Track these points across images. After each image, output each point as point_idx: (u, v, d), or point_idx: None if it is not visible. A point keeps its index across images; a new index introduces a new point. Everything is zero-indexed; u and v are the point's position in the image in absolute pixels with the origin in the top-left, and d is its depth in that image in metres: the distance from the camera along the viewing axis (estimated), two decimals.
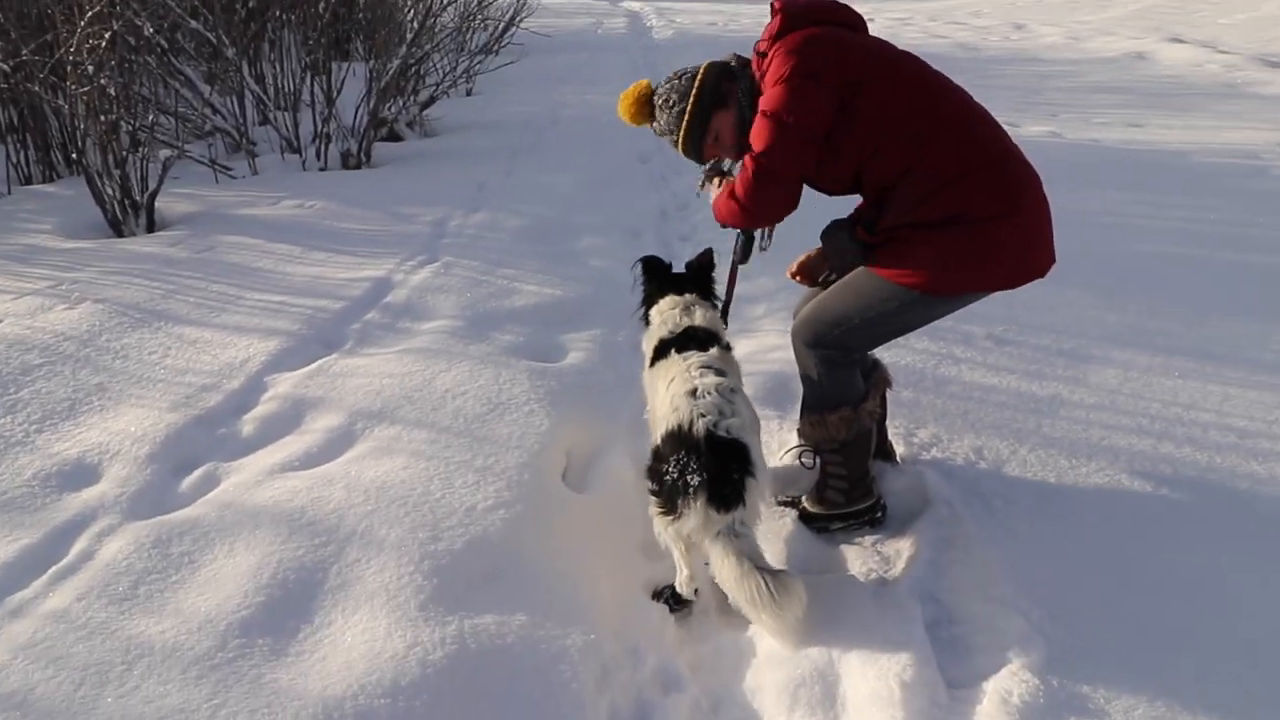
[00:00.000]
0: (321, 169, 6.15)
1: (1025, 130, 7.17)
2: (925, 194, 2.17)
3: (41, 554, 2.20)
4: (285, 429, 2.81)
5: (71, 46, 4.38)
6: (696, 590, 2.35)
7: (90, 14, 4.32)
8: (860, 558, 2.47)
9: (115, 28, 4.62)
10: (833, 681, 2.05)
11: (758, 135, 2.19)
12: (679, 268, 2.70)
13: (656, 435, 2.26)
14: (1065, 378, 3.22)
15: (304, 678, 1.86)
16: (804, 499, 2.62)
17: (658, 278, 2.61)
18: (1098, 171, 6.07)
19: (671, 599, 2.34)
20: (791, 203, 2.26)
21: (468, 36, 9.10)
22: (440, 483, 2.49)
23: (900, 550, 2.47)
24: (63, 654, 1.87)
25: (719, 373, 2.24)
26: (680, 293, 2.53)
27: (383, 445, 2.67)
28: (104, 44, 4.42)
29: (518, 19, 10.55)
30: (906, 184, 2.19)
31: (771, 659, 2.15)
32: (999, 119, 2.39)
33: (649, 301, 2.61)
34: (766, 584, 1.96)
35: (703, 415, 2.12)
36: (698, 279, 2.59)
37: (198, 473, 2.58)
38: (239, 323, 3.48)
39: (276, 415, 2.87)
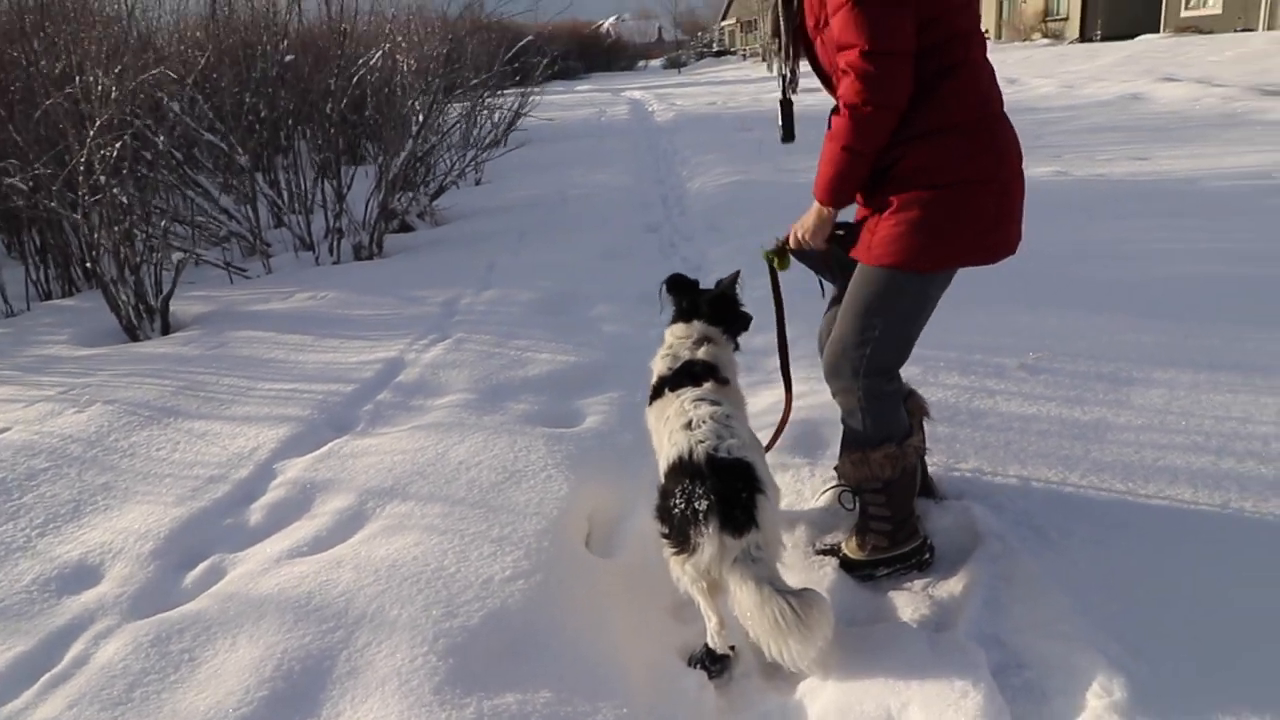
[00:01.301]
0: (335, 263, 6.22)
1: (1032, 172, 7.15)
2: (946, 118, 2.03)
3: (35, 662, 2.07)
4: (294, 515, 2.70)
5: (82, 157, 4.49)
6: (733, 648, 2.18)
7: (99, 124, 4.44)
8: (911, 604, 2.28)
9: (126, 138, 4.74)
10: None
11: (848, 27, 1.93)
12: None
13: (660, 474, 2.15)
14: (1108, 401, 3.07)
15: None
16: (844, 545, 2.45)
17: (686, 297, 2.53)
18: (1110, 204, 6.04)
19: (707, 659, 2.16)
20: (909, 86, 1.98)
21: (474, 130, 9.37)
22: (455, 556, 2.35)
23: (953, 592, 2.29)
24: None
25: (713, 402, 2.17)
26: (690, 319, 2.46)
27: (394, 523, 2.54)
28: (114, 154, 4.54)
29: (523, 110, 10.88)
30: (937, 96, 2.02)
31: None
32: None
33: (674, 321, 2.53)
34: (790, 605, 1.82)
35: (701, 441, 2.04)
36: (717, 303, 2.49)
37: (202, 566, 2.46)
38: (249, 413, 3.42)
39: (285, 501, 2.77)
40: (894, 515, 2.33)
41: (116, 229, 4.71)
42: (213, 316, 4.90)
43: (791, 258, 2.44)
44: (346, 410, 3.44)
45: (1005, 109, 2.18)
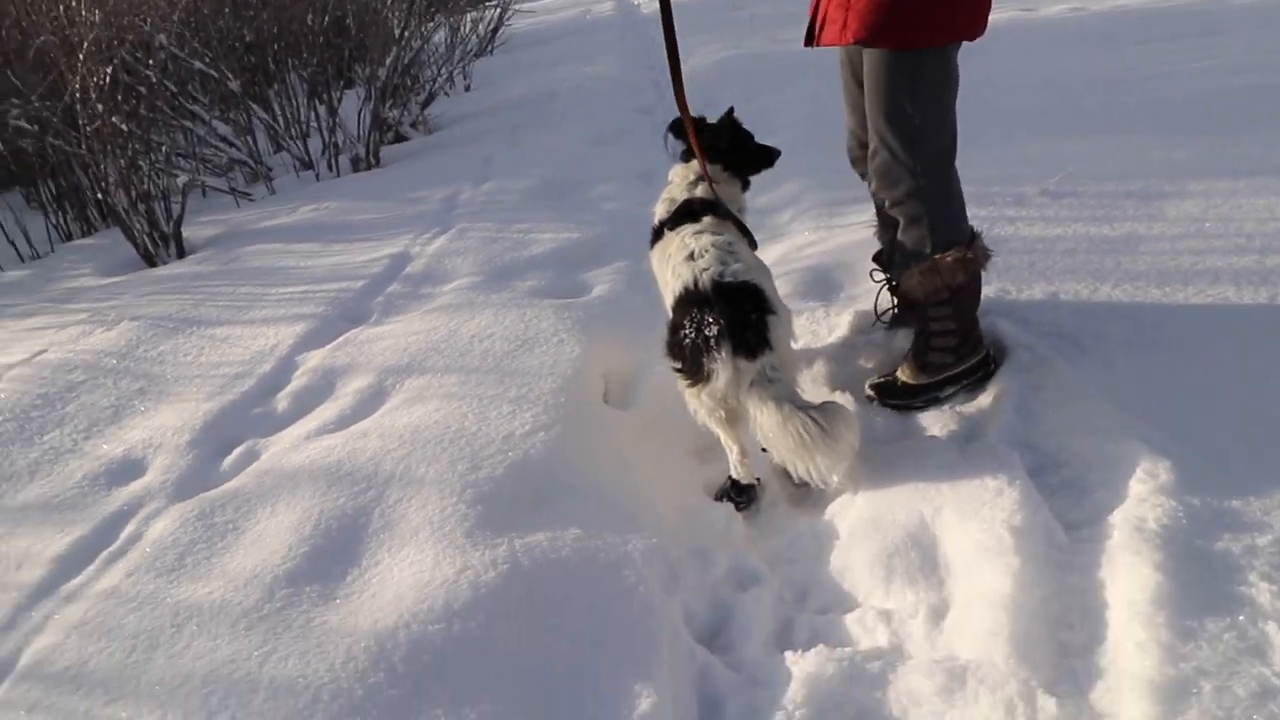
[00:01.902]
0: (335, 177, 6.18)
1: (1044, 11, 6.78)
2: None
3: (92, 543, 2.18)
4: (318, 399, 2.76)
5: (75, 83, 4.45)
6: (759, 479, 2.22)
7: (86, 48, 4.38)
8: (938, 420, 2.27)
9: (116, 63, 4.68)
10: (929, 544, 1.89)
11: None
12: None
13: (667, 309, 2.14)
14: (1139, 216, 2.96)
15: (354, 616, 1.79)
16: (900, 373, 2.34)
17: (679, 137, 2.48)
18: (1133, 31, 5.73)
19: (733, 491, 2.21)
20: None
21: (458, 39, 9.08)
22: (475, 417, 2.40)
23: (982, 406, 2.26)
24: (113, 626, 1.83)
25: (714, 233, 2.13)
26: (688, 160, 2.42)
27: (414, 395, 2.60)
28: (106, 79, 4.49)
29: (506, 17, 10.53)
30: None
31: (855, 535, 1.99)
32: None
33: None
34: (813, 419, 1.82)
35: (705, 269, 2.01)
36: (715, 140, 2.41)
37: (237, 451, 2.55)
38: (266, 315, 3.47)
39: (308, 388, 2.83)
40: (959, 327, 2.23)
41: (122, 159, 4.71)
42: (223, 237, 4.92)
43: None
44: (359, 303, 3.47)
45: None
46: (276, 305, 3.55)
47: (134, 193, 4.75)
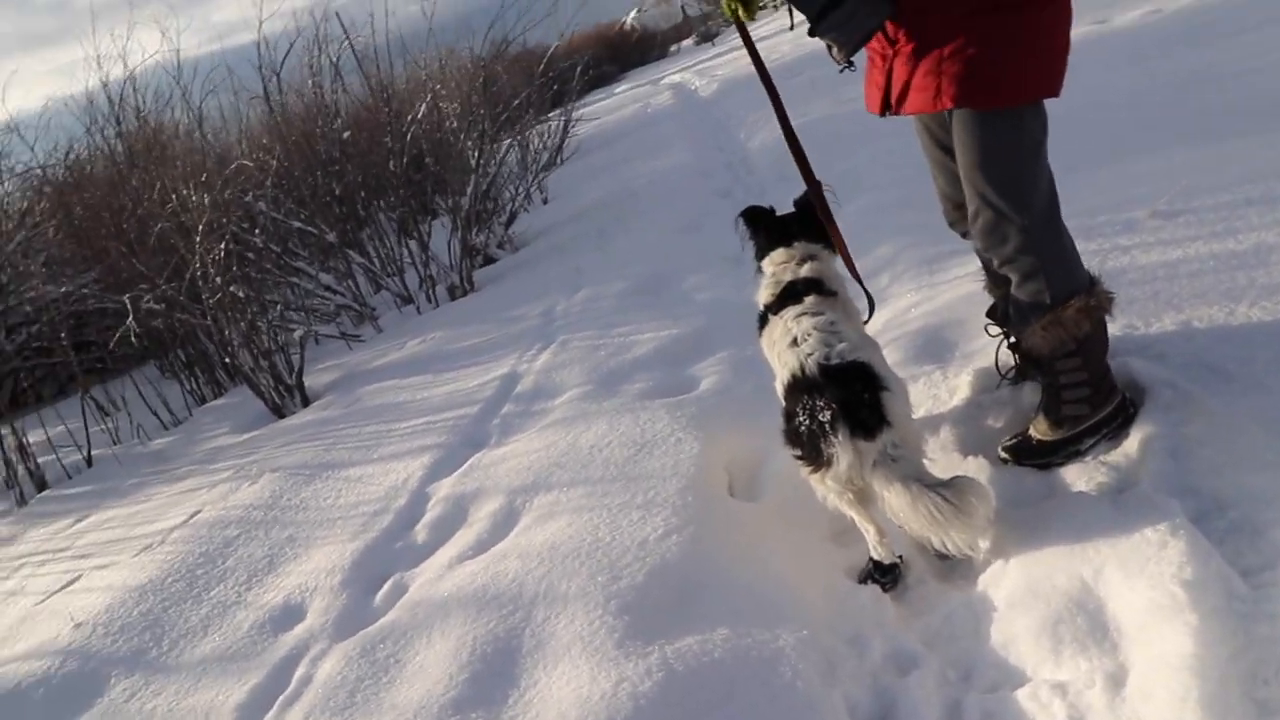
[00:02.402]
0: (434, 308, 6.55)
1: (1115, 23, 6.64)
2: None
3: (268, 689, 2.31)
4: (454, 526, 2.88)
5: (195, 262, 4.94)
6: (900, 556, 2.16)
7: (200, 228, 4.88)
8: (1083, 475, 2.15)
9: (228, 238, 5.19)
10: (1095, 608, 1.78)
11: None
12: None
13: (779, 397, 2.15)
14: (1265, 224, 2.77)
15: None
16: (1033, 430, 2.26)
17: (762, 225, 2.48)
18: (1219, 25, 5.42)
19: (876, 572, 2.15)
20: None
21: (528, 153, 9.63)
22: (607, 528, 2.45)
23: (1129, 454, 2.14)
24: None
25: (815, 313, 2.13)
26: (789, 242, 2.39)
27: (544, 513, 2.67)
28: (222, 253, 4.97)
29: (571, 124, 11.09)
30: None
31: (1014, 605, 1.89)
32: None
33: (760, 254, 2.49)
34: (943, 497, 1.77)
35: (810, 354, 2.01)
36: (804, 219, 2.42)
37: (387, 585, 2.67)
38: (393, 451, 3.66)
39: (443, 517, 2.95)
40: (1091, 377, 2.15)
41: (242, 322, 5.15)
42: (342, 381, 5.26)
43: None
44: (477, 427, 3.63)
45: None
46: (401, 440, 3.75)
47: (256, 351, 5.18)
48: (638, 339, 3.98)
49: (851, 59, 2.09)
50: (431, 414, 3.94)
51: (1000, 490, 2.17)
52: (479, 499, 2.95)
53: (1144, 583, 1.72)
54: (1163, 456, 2.07)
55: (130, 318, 5.24)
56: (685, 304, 4.37)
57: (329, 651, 2.37)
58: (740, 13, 2.20)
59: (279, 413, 5.14)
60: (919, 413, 2.48)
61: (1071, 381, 2.16)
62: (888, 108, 2.19)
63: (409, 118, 7.38)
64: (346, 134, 7.47)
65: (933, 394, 2.71)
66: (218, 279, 5.02)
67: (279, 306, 6.48)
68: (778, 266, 2.39)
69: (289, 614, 2.66)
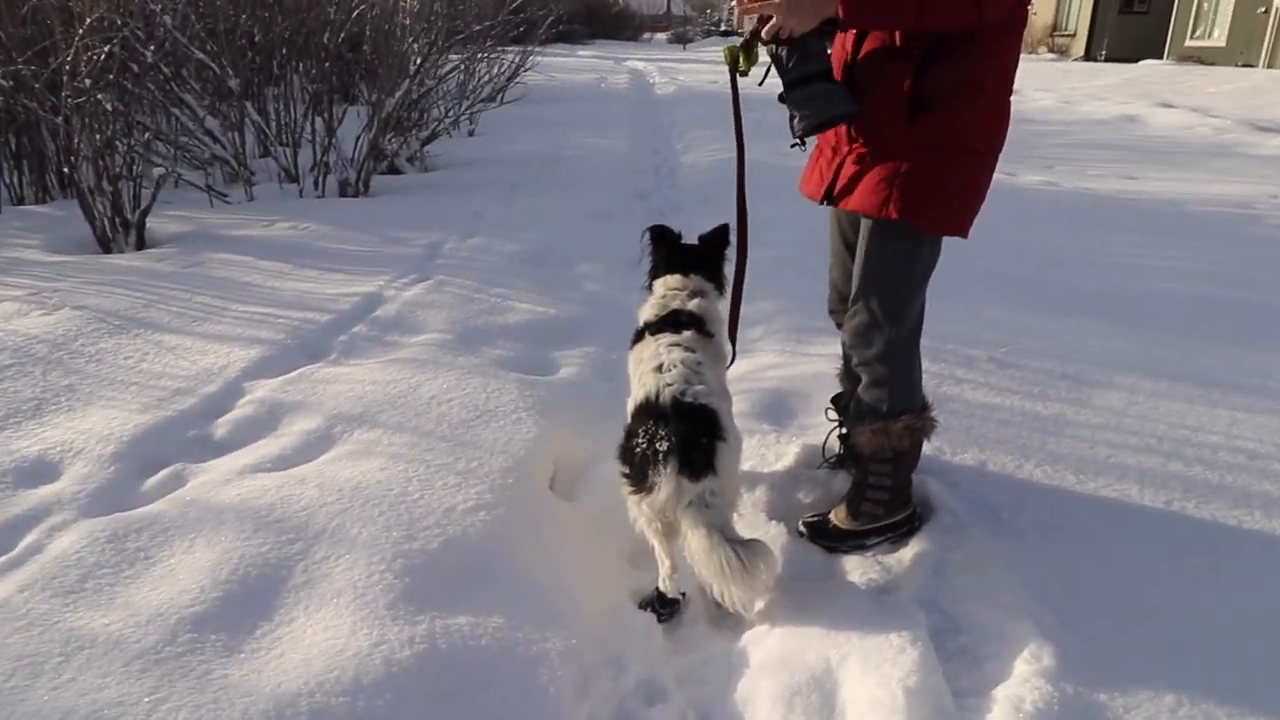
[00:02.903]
0: (319, 197, 6.15)
1: (1021, 179, 7.26)
2: (1011, 71, 2.04)
3: None
4: (260, 432, 2.69)
5: (68, 57, 4.38)
6: (684, 594, 2.23)
7: (89, 23, 4.33)
8: (860, 567, 2.35)
9: (114, 45, 4.63)
10: (831, 690, 1.92)
11: None
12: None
13: (627, 415, 2.18)
14: (1069, 399, 3.16)
15: (257, 674, 1.72)
16: (833, 516, 2.45)
17: (666, 248, 2.51)
18: (1095, 216, 6.14)
19: (657, 602, 2.21)
20: (1002, 10, 1.92)
21: (471, 81, 9.24)
22: (419, 484, 2.37)
23: (902, 559, 2.36)
24: None
25: (688, 349, 2.19)
26: (687, 271, 2.44)
27: (361, 448, 2.55)
28: (102, 57, 4.43)
29: (523, 66, 10.75)
30: (1014, 41, 2.03)
31: (765, 667, 2.01)
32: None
33: (654, 273, 2.52)
34: (737, 554, 1.88)
35: (669, 385, 2.06)
36: (706, 255, 2.49)
37: (164, 473, 2.45)
38: (221, 332, 3.39)
39: (251, 419, 2.76)
40: (895, 485, 2.36)
41: (98, 136, 4.62)
42: (190, 237, 4.83)
43: (760, 53, 2.16)
44: (320, 338, 3.42)
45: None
46: (233, 323, 3.48)
47: (103, 171, 4.64)
48: (513, 306, 3.89)
49: (805, 138, 2.13)
50: (276, 307, 3.68)
51: (788, 560, 2.36)
52: (296, 413, 2.78)
53: (875, 679, 1.88)
54: (926, 572, 2.29)
55: None
56: (570, 287, 4.32)
57: (72, 525, 2.14)
58: (741, 63, 2.19)
59: (105, 246, 4.65)
60: (744, 465, 2.58)
61: (878, 484, 2.37)
62: (829, 198, 2.30)
63: None
64: None
65: (761, 453, 2.86)
66: (87, 81, 4.46)
67: (147, 134, 5.87)
68: (669, 291, 2.43)
69: (40, 471, 2.39)
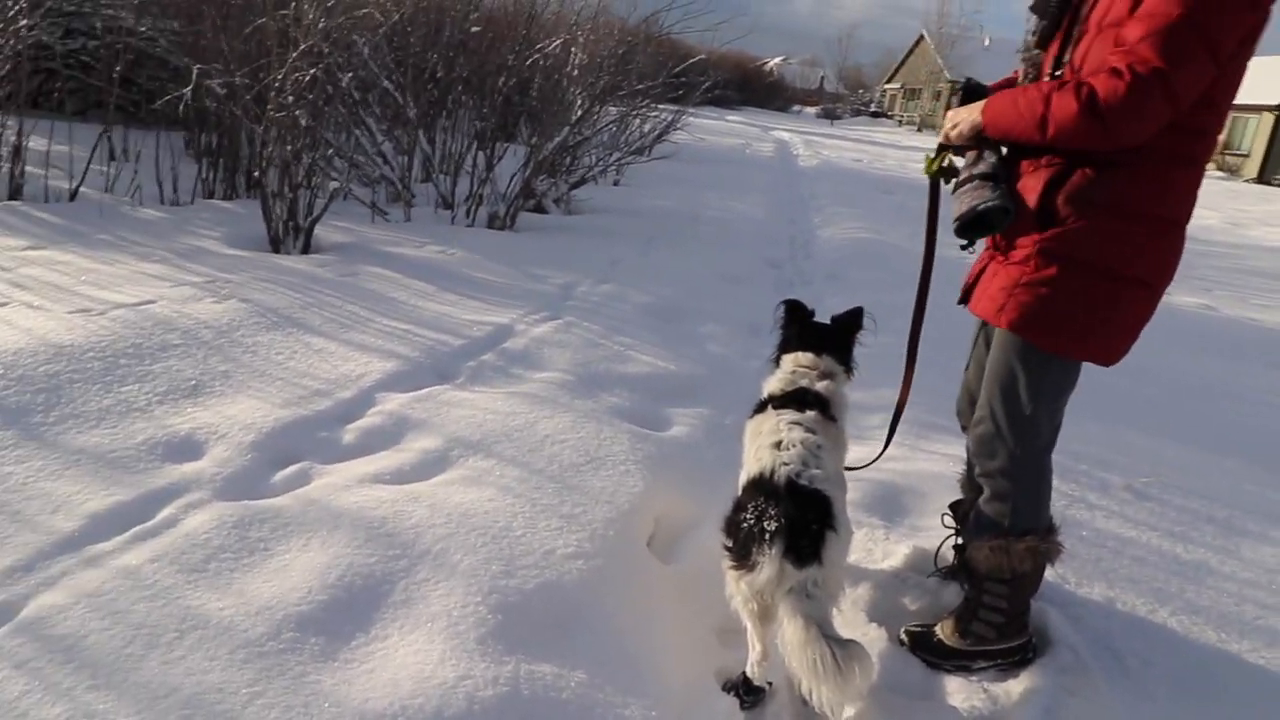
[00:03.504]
0: (469, 225, 6.47)
1: (1176, 299, 6.79)
2: (1172, 202, 1.94)
3: (130, 513, 2.21)
4: (384, 443, 2.80)
5: (279, 74, 4.82)
6: (770, 683, 2.13)
7: (302, 49, 4.76)
8: (963, 690, 2.17)
9: (319, 70, 5.07)
10: None
11: (1161, 39, 1.71)
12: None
13: (738, 487, 2.13)
14: (1215, 546, 2.88)
15: (347, 685, 1.75)
16: (939, 630, 2.31)
17: (799, 324, 2.48)
18: (1257, 350, 5.67)
19: (742, 688, 2.12)
20: (1146, 137, 1.82)
21: (624, 134, 9.58)
22: (524, 521, 2.39)
23: (1011, 691, 2.16)
24: (122, 610, 1.83)
25: (809, 430, 2.13)
26: (820, 351, 2.40)
27: (474, 475, 2.61)
28: (306, 79, 4.86)
29: (674, 125, 11.06)
30: (1171, 169, 1.91)
31: None
32: None
33: (784, 347, 2.48)
34: (833, 653, 1.76)
35: (785, 464, 2.00)
36: (840, 337, 2.45)
37: (293, 468, 2.58)
38: (364, 341, 3.58)
39: (378, 429, 2.88)
40: (1011, 609, 2.21)
41: (289, 147, 5.04)
42: (350, 247, 5.16)
43: (953, 162, 2.22)
44: (451, 361, 3.55)
45: None
46: (376, 334, 3.67)
47: (288, 179, 5.07)
48: (636, 356, 3.93)
49: (960, 236, 2.14)
50: (416, 325, 3.86)
51: (886, 668, 2.22)
52: (420, 429, 2.88)
53: None
54: (1038, 710, 2.10)
55: (190, 87, 5.12)
56: (693, 346, 4.32)
57: (206, 505, 2.28)
58: (934, 166, 2.25)
59: (275, 246, 5.04)
60: (850, 558, 2.47)
61: (992, 605, 2.21)
62: (965, 299, 2.27)
63: (539, 46, 7.31)
64: (476, 28, 7.38)
65: (869, 548, 2.73)
66: (290, 98, 4.90)
67: (330, 149, 6.37)
68: (799, 369, 2.39)
69: (187, 448, 2.57)
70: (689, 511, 2.81)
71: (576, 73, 7.57)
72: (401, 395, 3.14)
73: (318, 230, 5.21)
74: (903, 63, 56.24)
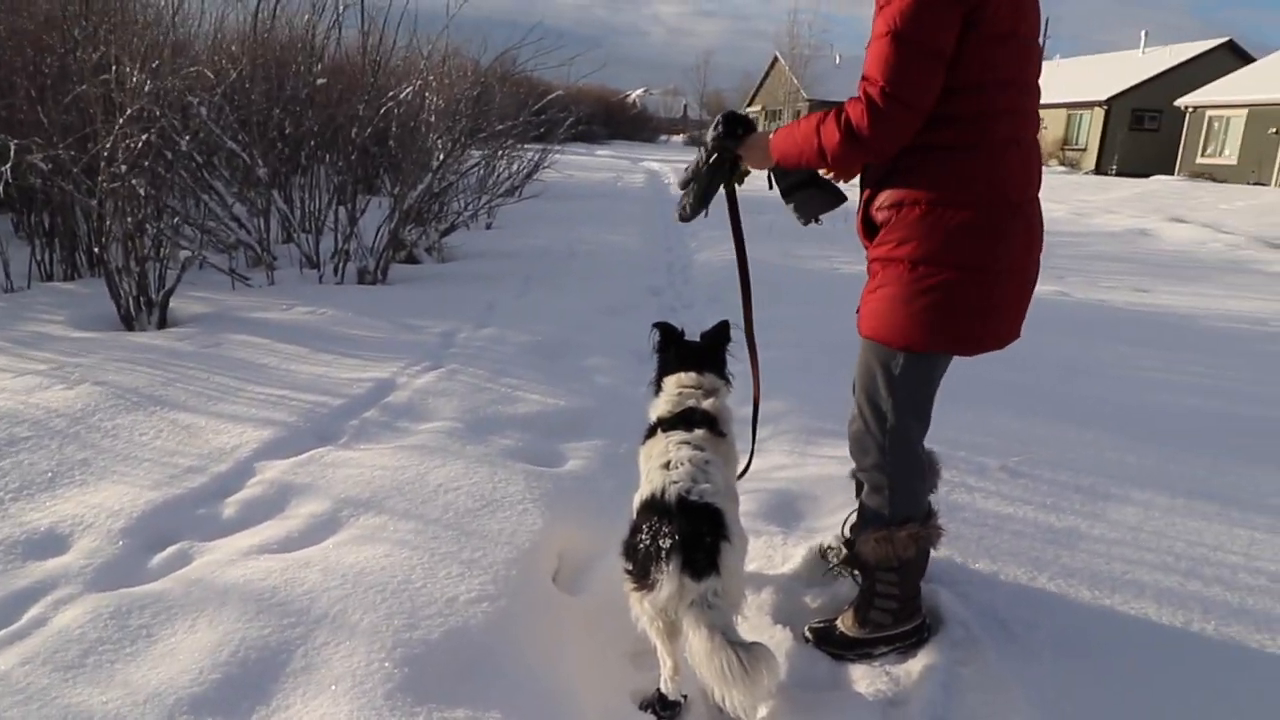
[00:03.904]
0: (338, 283, 6.31)
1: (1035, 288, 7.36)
2: (957, 186, 2.05)
3: None
4: (267, 513, 2.71)
5: (107, 144, 4.58)
6: (685, 696, 2.18)
7: (129, 114, 4.55)
8: (867, 677, 2.29)
9: (152, 135, 4.85)
10: None
11: (879, 59, 1.93)
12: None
13: (633, 511, 2.19)
14: (1083, 512, 3.11)
15: None
16: (839, 623, 2.42)
17: (674, 344, 2.57)
18: (1107, 328, 6.12)
19: (658, 704, 2.16)
20: (904, 141, 2.01)
21: (491, 176, 9.59)
22: (423, 572, 2.36)
23: (911, 671, 2.30)
24: None
25: (697, 447, 2.21)
26: (700, 369, 2.48)
27: (366, 533, 2.56)
28: (139, 145, 4.64)
29: (543, 164, 11.17)
30: (947, 157, 2.04)
31: None
32: None
33: (664, 370, 2.55)
34: (738, 657, 1.84)
35: (675, 482, 2.07)
36: (713, 352, 2.54)
37: (170, 550, 2.46)
38: (235, 412, 3.44)
39: (260, 499, 2.78)
40: (903, 594, 2.34)
41: (129, 219, 4.79)
42: (210, 318, 4.95)
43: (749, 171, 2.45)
44: (332, 422, 3.47)
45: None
46: (248, 404, 3.54)
47: (131, 252, 4.79)
48: (523, 396, 3.95)
49: (807, 224, 2.43)
50: (291, 389, 3.74)
51: (793, 666, 2.31)
52: (304, 495, 2.80)
53: None
54: (936, 686, 2.23)
55: (8, 165, 4.78)
56: (580, 380, 4.38)
57: (77, 599, 2.14)
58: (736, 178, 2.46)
59: (128, 324, 4.76)
60: (750, 567, 2.56)
61: (885, 593, 2.34)
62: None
63: (390, 94, 7.25)
64: (321, 81, 7.24)
65: (768, 554, 2.83)
66: (123, 166, 4.67)
67: (176, 218, 6.07)
68: (684, 389, 2.46)
69: (49, 543, 2.40)
70: (591, 543, 2.84)
71: (433, 118, 7.54)
72: (282, 462, 3.04)
73: (174, 302, 4.96)
74: (760, 85, 58.07)
